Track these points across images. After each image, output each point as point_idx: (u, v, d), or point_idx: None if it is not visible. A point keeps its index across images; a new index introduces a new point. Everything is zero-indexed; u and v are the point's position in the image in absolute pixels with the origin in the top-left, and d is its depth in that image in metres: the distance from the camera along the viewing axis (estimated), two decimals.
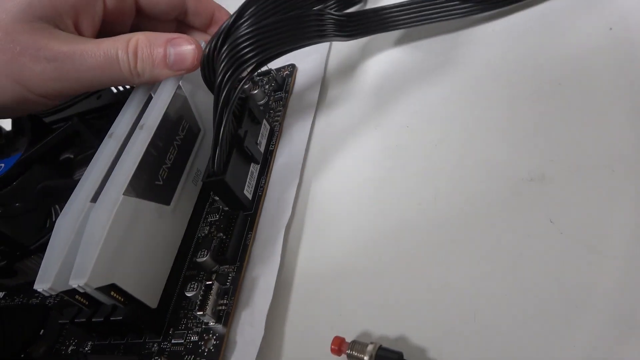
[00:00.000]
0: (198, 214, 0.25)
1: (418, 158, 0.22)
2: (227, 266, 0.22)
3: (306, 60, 0.31)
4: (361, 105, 0.26)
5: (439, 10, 0.25)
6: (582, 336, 0.15)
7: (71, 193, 0.23)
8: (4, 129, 0.35)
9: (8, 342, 0.22)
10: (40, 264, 0.23)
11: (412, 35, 0.28)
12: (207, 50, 0.22)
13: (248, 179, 0.24)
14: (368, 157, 0.24)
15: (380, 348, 0.16)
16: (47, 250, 0.20)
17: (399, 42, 0.28)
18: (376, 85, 0.27)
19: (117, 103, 0.31)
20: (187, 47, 0.22)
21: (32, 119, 0.29)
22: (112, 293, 0.19)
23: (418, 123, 0.24)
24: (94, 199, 0.21)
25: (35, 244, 0.23)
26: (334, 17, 0.24)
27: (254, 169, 0.25)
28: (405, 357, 0.16)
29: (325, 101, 0.28)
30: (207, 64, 0.22)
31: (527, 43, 0.23)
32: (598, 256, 0.16)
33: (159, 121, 0.23)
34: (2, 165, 0.25)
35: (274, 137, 0.27)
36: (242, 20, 0.22)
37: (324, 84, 0.29)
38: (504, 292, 0.17)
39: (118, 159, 0.22)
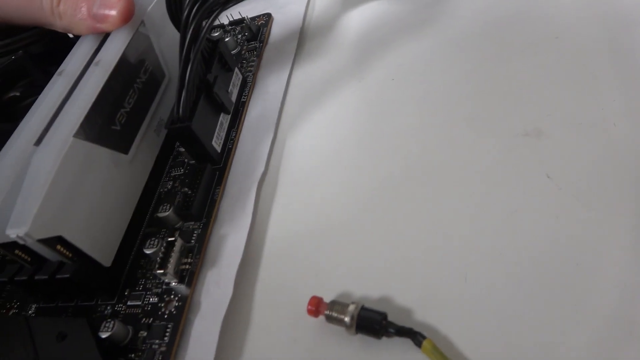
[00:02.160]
0: (160, 168, 0.22)
1: (404, 112, 0.20)
2: (192, 223, 0.19)
3: (282, 11, 0.28)
4: (342, 58, 0.24)
5: None
6: (579, 295, 0.14)
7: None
8: None
9: None
10: None
11: None
12: None
13: (217, 130, 0.22)
14: (350, 111, 0.21)
15: (363, 308, 0.15)
16: None
17: None
18: (359, 37, 0.25)
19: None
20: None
21: None
22: (59, 247, 0.17)
23: (404, 76, 0.22)
24: (39, 141, 0.18)
25: None
26: None
27: (224, 119, 0.22)
28: (389, 319, 0.14)
29: (303, 53, 0.25)
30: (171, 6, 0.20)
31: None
32: (596, 213, 0.15)
33: (117, 58, 0.20)
34: None
35: (246, 88, 0.24)
36: None
37: (302, 35, 0.26)
38: (498, 251, 0.15)
39: (68, 99, 0.19)
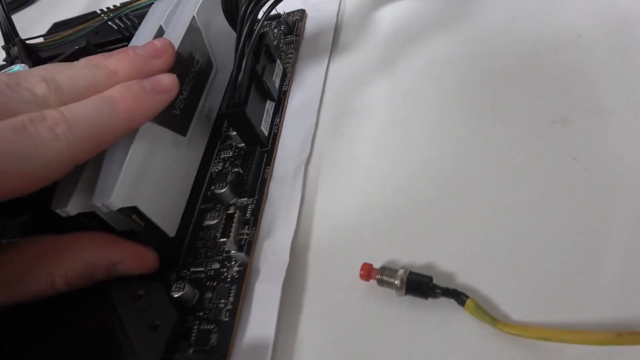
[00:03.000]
0: (210, 150, 0.24)
1: (438, 103, 0.22)
2: (246, 199, 0.21)
3: (316, 8, 0.30)
4: (376, 52, 0.26)
5: None
6: (606, 265, 0.15)
7: None
8: None
9: None
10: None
11: None
12: None
13: (264, 116, 0.23)
14: (385, 101, 0.23)
15: (411, 272, 0.16)
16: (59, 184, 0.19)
17: None
18: (391, 33, 0.26)
19: (120, 40, 0.29)
20: None
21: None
22: (134, 217, 0.18)
23: (437, 70, 0.23)
24: None
25: None
26: None
27: (270, 106, 0.24)
28: (434, 282, 0.16)
29: (338, 47, 0.27)
30: None
31: None
32: (619, 189, 0.17)
33: (177, 47, 0.21)
34: None
35: (286, 78, 0.26)
36: None
37: (336, 30, 0.28)
38: (531, 224, 0.17)
39: None
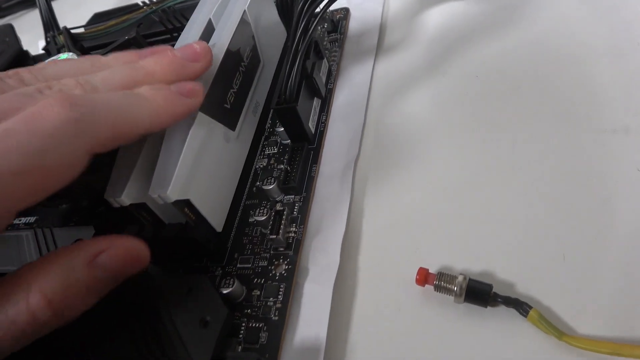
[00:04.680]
0: (255, 146, 0.23)
1: (490, 107, 0.21)
2: (293, 196, 0.21)
3: (360, 7, 0.29)
4: (424, 53, 0.25)
5: None
6: None
7: None
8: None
9: None
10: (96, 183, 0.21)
11: None
12: None
13: (312, 113, 0.23)
14: (436, 103, 0.22)
15: (471, 280, 0.16)
16: (116, 161, 0.18)
17: None
18: (438, 35, 0.26)
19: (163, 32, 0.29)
20: None
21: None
22: (186, 210, 0.18)
23: (488, 74, 0.23)
24: None
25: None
26: None
27: (317, 103, 0.23)
28: (495, 291, 0.16)
29: (383, 47, 0.26)
30: None
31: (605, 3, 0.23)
32: None
33: (229, 40, 0.21)
34: None
35: (331, 76, 0.25)
36: None
37: (381, 30, 0.27)
38: (595, 235, 0.16)
39: None
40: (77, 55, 0.24)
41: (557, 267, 0.16)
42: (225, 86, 0.21)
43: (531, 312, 0.15)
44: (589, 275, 0.15)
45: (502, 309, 0.15)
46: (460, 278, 0.16)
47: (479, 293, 0.15)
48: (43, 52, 0.33)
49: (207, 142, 0.19)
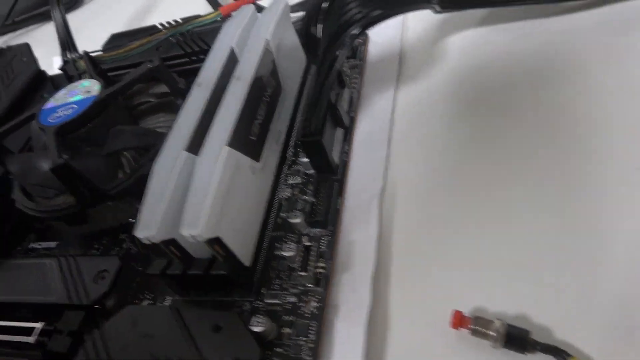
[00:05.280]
0: (277, 175, 0.23)
1: (520, 140, 0.21)
2: (319, 229, 0.20)
3: (378, 34, 0.29)
4: (446, 81, 0.25)
5: None
6: None
7: (142, 141, 0.21)
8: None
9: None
10: (118, 213, 0.21)
11: (499, 15, 0.26)
12: (314, 6, 0.20)
13: (335, 143, 0.23)
14: (463, 137, 0.22)
15: (509, 325, 0.15)
16: (146, 197, 0.18)
17: (483, 22, 0.27)
18: (461, 62, 0.25)
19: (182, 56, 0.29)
20: None
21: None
22: (216, 247, 0.18)
23: (514, 102, 0.22)
24: (190, 148, 0.19)
25: (115, 190, 0.21)
26: None
27: (339, 133, 0.23)
28: (533, 337, 0.15)
29: (404, 74, 0.26)
30: (310, 22, 0.21)
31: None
32: None
33: (254, 73, 0.21)
34: (76, 106, 0.23)
35: (352, 104, 0.25)
36: None
37: (401, 56, 0.27)
38: (632, 279, 0.16)
39: (209, 109, 0.20)
40: (99, 82, 0.24)
41: (596, 313, 0.16)
42: (250, 118, 0.21)
43: None
44: (629, 323, 0.15)
45: (540, 356, 0.15)
46: (497, 323, 0.15)
47: (517, 339, 0.15)
48: (60, 72, 0.33)
49: (235, 177, 0.19)
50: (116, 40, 0.33)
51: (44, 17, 0.53)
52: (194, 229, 0.16)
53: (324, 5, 0.19)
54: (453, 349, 0.16)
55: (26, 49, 0.35)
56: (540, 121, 0.21)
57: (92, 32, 0.36)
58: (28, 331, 0.20)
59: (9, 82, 0.32)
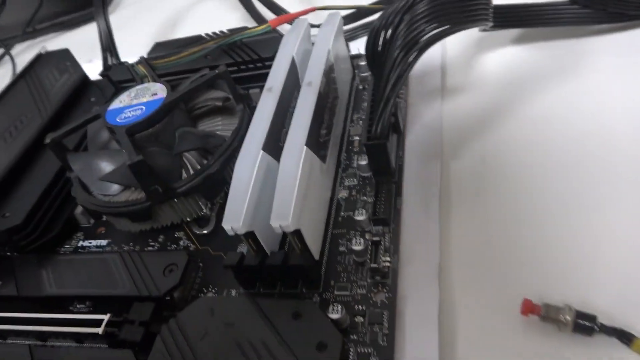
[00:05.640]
0: (334, 177, 0.24)
1: (565, 150, 0.23)
2: (381, 227, 0.21)
3: None
4: (489, 94, 0.27)
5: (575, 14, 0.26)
6: None
7: (209, 143, 0.22)
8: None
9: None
10: (182, 210, 0.22)
11: (534, 36, 0.28)
12: (384, 21, 0.22)
13: (392, 148, 0.24)
14: (511, 147, 0.24)
15: (577, 311, 0.17)
16: (230, 192, 0.19)
17: (520, 40, 0.29)
18: (501, 77, 0.27)
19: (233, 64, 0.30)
20: None
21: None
22: (295, 239, 0.19)
23: (558, 116, 0.24)
24: (265, 146, 0.20)
25: (182, 188, 0.22)
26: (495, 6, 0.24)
27: (394, 139, 0.25)
28: (599, 321, 0.17)
29: (447, 87, 0.28)
30: (379, 36, 0.22)
31: None
32: None
33: (321, 79, 0.22)
34: (144, 107, 0.24)
35: (401, 113, 0.27)
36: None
37: (443, 70, 0.29)
38: None
39: (279, 111, 0.22)
40: (164, 85, 0.25)
41: None
42: (319, 122, 0.22)
43: (636, 341, 0.16)
44: None
45: (606, 338, 0.16)
46: (566, 309, 0.17)
47: (585, 323, 0.16)
48: (100, 77, 0.34)
49: (310, 173, 0.20)
50: (160, 48, 0.34)
51: (63, 27, 0.54)
52: (284, 220, 0.17)
53: (395, 20, 0.21)
54: (523, 334, 0.17)
55: (67, 54, 0.35)
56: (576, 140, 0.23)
57: (122, 40, 0.37)
58: (93, 323, 0.21)
59: (53, 86, 0.32)
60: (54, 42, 0.53)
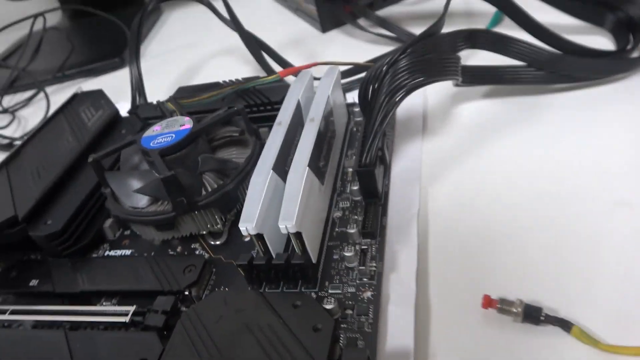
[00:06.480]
0: (331, 199, 0.28)
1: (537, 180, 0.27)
2: (369, 240, 0.25)
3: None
4: (464, 138, 0.31)
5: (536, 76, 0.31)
6: None
7: (225, 166, 0.27)
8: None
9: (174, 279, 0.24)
10: (201, 222, 0.26)
11: (500, 91, 0.34)
12: (374, 73, 0.27)
13: (379, 176, 0.28)
14: (478, 178, 0.28)
15: (526, 304, 0.20)
16: (246, 201, 0.23)
17: (488, 95, 0.34)
18: (473, 125, 0.32)
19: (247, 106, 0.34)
20: None
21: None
22: (297, 241, 0.22)
23: (515, 156, 0.29)
24: (275, 167, 0.24)
25: (203, 202, 0.26)
26: (464, 66, 0.29)
27: (380, 169, 0.29)
28: (545, 312, 0.20)
29: (427, 130, 0.33)
30: (369, 84, 0.27)
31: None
32: None
33: (322, 115, 0.27)
34: (174, 135, 0.28)
35: (388, 149, 0.31)
36: (404, 56, 0.27)
37: (424, 117, 0.34)
38: (624, 266, 0.21)
39: (286, 140, 0.26)
40: (191, 118, 0.29)
41: (592, 292, 0.21)
42: (319, 150, 0.26)
43: (574, 328, 0.19)
44: (621, 303, 0.20)
45: (550, 327, 0.20)
46: (517, 302, 0.20)
47: (533, 314, 0.20)
48: (128, 114, 0.39)
49: (310, 191, 0.24)
50: (182, 91, 0.39)
51: (89, 74, 0.60)
52: (290, 222, 0.21)
53: (382, 71, 0.26)
54: (483, 324, 0.21)
55: (101, 93, 0.40)
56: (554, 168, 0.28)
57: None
58: (120, 314, 0.24)
59: (89, 119, 0.37)
60: (82, 86, 0.58)
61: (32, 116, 0.52)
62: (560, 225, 0.24)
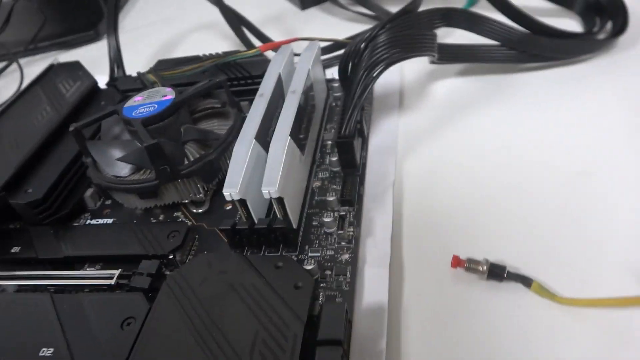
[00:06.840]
0: (310, 169, 0.29)
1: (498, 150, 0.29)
2: (347, 207, 0.26)
3: (382, 76, 0.37)
4: (439, 112, 0.33)
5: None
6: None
7: (207, 136, 0.27)
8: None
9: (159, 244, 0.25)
10: (184, 190, 0.27)
11: (474, 70, 0.35)
12: (353, 47, 0.28)
13: (357, 149, 0.29)
14: (450, 150, 0.30)
15: (491, 263, 0.22)
16: (229, 168, 0.24)
17: (462, 73, 0.35)
18: (448, 100, 0.33)
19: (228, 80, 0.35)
20: None
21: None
22: (279, 206, 0.23)
23: (486, 131, 0.30)
24: (257, 137, 0.25)
25: (186, 170, 0.27)
26: (440, 44, 0.30)
27: (358, 142, 0.30)
28: (508, 270, 0.22)
29: (404, 104, 0.34)
30: (349, 59, 0.28)
31: None
32: None
33: (303, 88, 0.28)
34: (156, 105, 0.28)
35: (367, 123, 0.32)
36: (383, 31, 0.28)
37: (401, 92, 0.35)
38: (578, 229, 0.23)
39: (268, 111, 0.27)
40: (173, 89, 0.29)
41: (551, 252, 0.22)
42: (300, 122, 0.27)
43: (533, 284, 0.21)
44: (577, 260, 0.22)
45: (512, 283, 0.22)
46: (483, 261, 0.22)
47: (497, 272, 0.22)
48: (106, 87, 0.39)
49: (291, 159, 0.25)
50: (162, 64, 0.39)
51: (62, 46, 0.59)
52: (272, 187, 0.22)
53: (361, 46, 0.27)
54: (452, 282, 0.22)
55: (79, 65, 0.40)
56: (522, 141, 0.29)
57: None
58: (106, 277, 0.25)
59: (67, 90, 0.36)
60: (55, 59, 0.57)
61: (5, 88, 0.51)
62: (525, 192, 0.26)
